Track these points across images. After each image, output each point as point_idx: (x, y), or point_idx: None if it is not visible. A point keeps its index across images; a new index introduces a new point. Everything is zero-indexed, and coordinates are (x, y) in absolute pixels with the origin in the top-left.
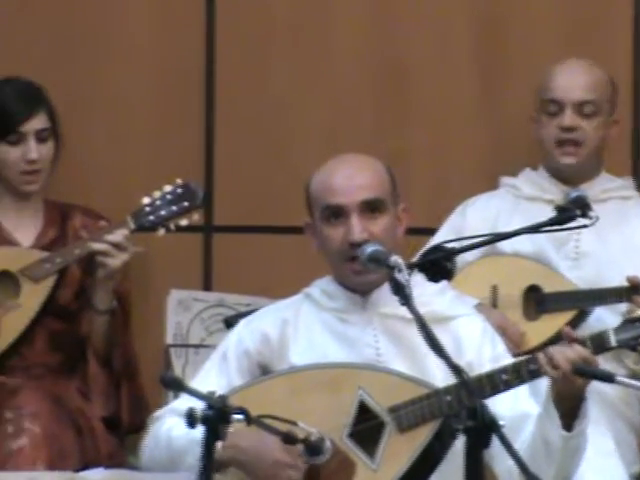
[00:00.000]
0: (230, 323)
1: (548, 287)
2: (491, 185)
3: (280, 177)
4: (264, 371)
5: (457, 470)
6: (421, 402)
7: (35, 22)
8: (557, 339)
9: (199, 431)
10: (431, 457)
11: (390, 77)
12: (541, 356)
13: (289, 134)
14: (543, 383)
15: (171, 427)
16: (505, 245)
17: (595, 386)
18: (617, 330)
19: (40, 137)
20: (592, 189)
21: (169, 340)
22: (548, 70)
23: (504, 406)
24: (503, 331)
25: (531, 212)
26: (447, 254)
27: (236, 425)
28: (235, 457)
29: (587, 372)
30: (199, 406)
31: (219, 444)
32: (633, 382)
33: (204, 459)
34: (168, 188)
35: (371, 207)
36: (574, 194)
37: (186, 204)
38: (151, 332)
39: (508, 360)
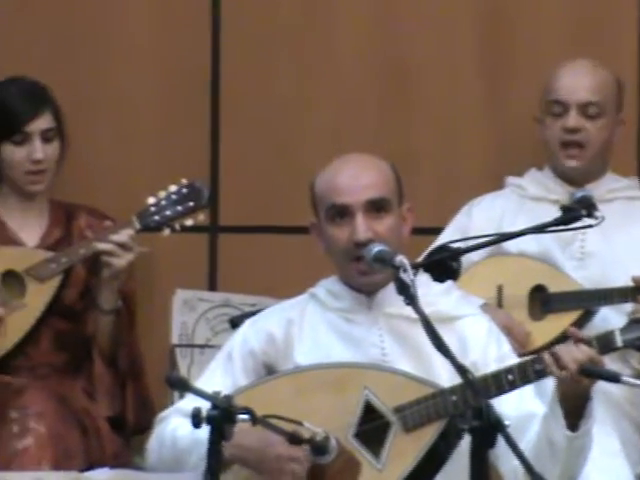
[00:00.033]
0: (235, 323)
1: (553, 287)
2: (496, 185)
3: (285, 177)
4: (269, 371)
5: (462, 470)
6: (426, 402)
7: (39, 21)
8: (562, 339)
9: (204, 431)
10: (436, 457)
11: (395, 77)
12: (547, 356)
13: (294, 134)
14: (548, 383)
15: (176, 427)
16: (510, 245)
17: (601, 386)
18: (623, 330)
19: (45, 137)
20: (598, 189)
21: (174, 340)
22: (553, 71)
23: (509, 406)
24: (508, 331)
25: (536, 212)
26: (452, 254)
27: (239, 424)
28: (238, 455)
29: (593, 372)
30: (205, 406)
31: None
32: (639, 382)
33: (210, 459)
34: (173, 188)
35: (376, 206)
36: (579, 194)
37: (191, 204)
38: (156, 332)
39: (513, 360)
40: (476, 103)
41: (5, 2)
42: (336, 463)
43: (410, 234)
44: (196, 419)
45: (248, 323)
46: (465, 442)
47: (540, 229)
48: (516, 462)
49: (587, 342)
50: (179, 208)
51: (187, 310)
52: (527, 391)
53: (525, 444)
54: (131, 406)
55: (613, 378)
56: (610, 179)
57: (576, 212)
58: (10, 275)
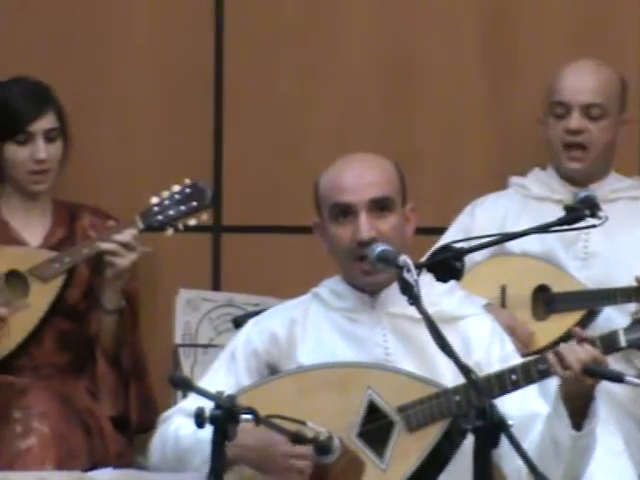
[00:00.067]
0: (239, 323)
1: (557, 287)
2: (500, 185)
3: (289, 177)
4: (272, 371)
5: (466, 470)
6: (430, 402)
7: (42, 21)
8: (566, 339)
9: (207, 431)
10: (440, 457)
11: (398, 77)
12: (551, 356)
13: (298, 134)
14: (552, 383)
15: (179, 427)
16: (514, 245)
17: (604, 386)
18: (627, 330)
19: (48, 137)
20: (601, 189)
21: (178, 340)
22: (556, 71)
23: (513, 406)
24: (512, 331)
25: (540, 212)
26: (456, 254)
27: (242, 424)
28: (242, 455)
29: (597, 372)
30: (208, 406)
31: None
32: None
33: (213, 459)
34: (176, 188)
35: (380, 205)
36: (583, 194)
37: (194, 204)
38: (160, 332)
39: (517, 360)
40: (479, 103)
41: (7, 2)
42: (339, 463)
43: (413, 234)
44: (199, 419)
45: (251, 323)
46: (468, 442)
47: (543, 229)
48: (519, 462)
49: (591, 342)
50: (182, 208)
51: (190, 310)
52: (530, 391)
53: (528, 444)
54: (134, 406)
55: (617, 378)
56: (613, 179)
57: (579, 212)
58: (13, 275)
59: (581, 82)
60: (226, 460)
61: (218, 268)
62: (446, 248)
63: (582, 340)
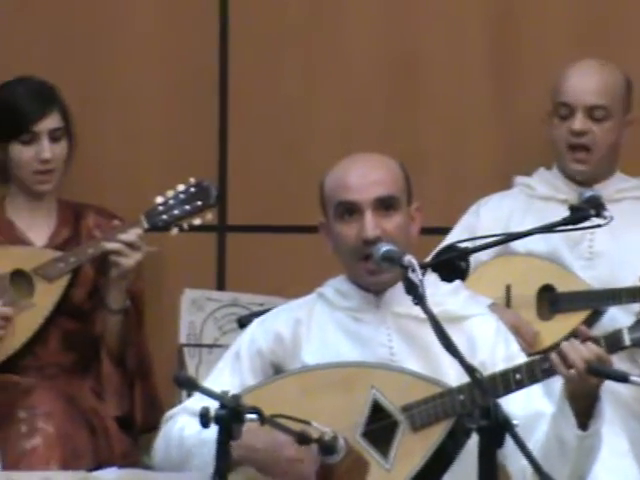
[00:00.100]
0: (243, 323)
1: (562, 287)
2: (505, 185)
3: (294, 176)
4: (277, 371)
5: (470, 469)
6: (434, 401)
7: (47, 20)
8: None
9: (211, 430)
10: (444, 456)
11: (403, 77)
12: (554, 355)
13: (302, 133)
14: (557, 383)
15: (183, 426)
16: (518, 245)
17: (609, 386)
18: (631, 329)
19: (53, 136)
20: (606, 189)
21: (182, 340)
22: (561, 72)
23: (517, 405)
24: (517, 331)
25: (545, 212)
26: (460, 254)
27: (247, 424)
28: (247, 456)
29: (601, 372)
30: (212, 406)
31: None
32: None
33: (218, 459)
34: (181, 187)
35: (385, 204)
36: (588, 194)
37: (199, 203)
38: (165, 332)
39: (522, 359)
40: (484, 103)
41: (9, 1)
42: (344, 463)
43: (418, 234)
44: (204, 418)
45: (256, 323)
46: (473, 441)
47: (548, 229)
48: (524, 462)
49: (595, 341)
50: (187, 207)
51: (195, 310)
52: (535, 390)
53: (533, 444)
54: (139, 406)
55: (621, 378)
56: (619, 179)
57: (585, 212)
58: (18, 275)
59: (585, 83)
60: (231, 460)
61: (223, 268)
62: (451, 248)
63: (587, 339)
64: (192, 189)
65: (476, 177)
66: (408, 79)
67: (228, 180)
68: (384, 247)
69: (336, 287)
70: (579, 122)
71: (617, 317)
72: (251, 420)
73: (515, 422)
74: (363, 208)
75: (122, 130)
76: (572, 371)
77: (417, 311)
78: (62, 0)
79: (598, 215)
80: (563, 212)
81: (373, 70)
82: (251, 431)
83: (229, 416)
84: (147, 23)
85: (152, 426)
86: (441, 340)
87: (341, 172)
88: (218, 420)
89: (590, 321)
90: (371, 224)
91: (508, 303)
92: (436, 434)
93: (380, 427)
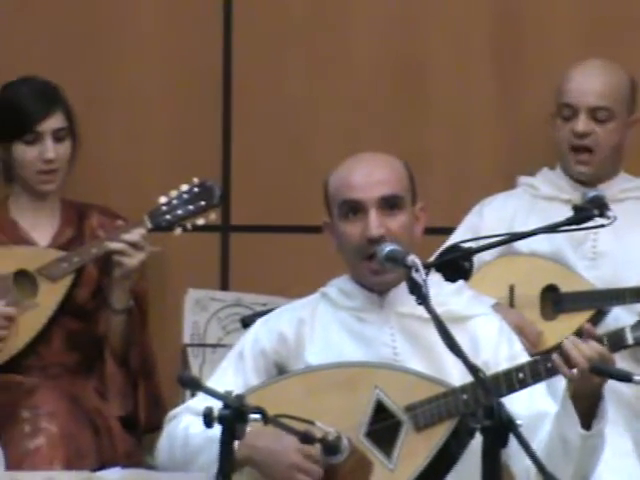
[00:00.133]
0: (247, 323)
1: (565, 287)
2: (508, 185)
3: (297, 176)
4: (280, 371)
5: (474, 469)
6: (438, 401)
7: (51, 20)
8: None
9: (217, 429)
10: (448, 456)
11: (408, 76)
12: (556, 356)
13: (306, 133)
14: (561, 383)
15: (188, 425)
16: (522, 245)
17: (612, 386)
18: (634, 328)
19: (57, 136)
20: (610, 189)
21: (186, 339)
22: (564, 72)
23: (520, 405)
24: (520, 330)
25: (548, 212)
26: (464, 254)
27: (253, 424)
28: (250, 457)
29: (604, 371)
30: (216, 405)
31: (235, 443)
32: None
33: (221, 459)
34: (185, 187)
35: (389, 203)
36: (591, 194)
37: (203, 203)
38: (168, 331)
39: (525, 359)
40: (488, 103)
41: (10, 1)
42: (348, 463)
43: (422, 233)
44: (208, 418)
45: (259, 323)
46: (476, 441)
47: (552, 229)
48: (528, 462)
49: (598, 339)
50: (191, 207)
51: (199, 309)
52: (538, 390)
53: (537, 443)
54: (143, 405)
55: (625, 377)
56: (623, 179)
57: (588, 212)
58: (22, 275)
59: (588, 84)
60: (235, 460)
61: (226, 268)
62: (454, 248)
63: (591, 338)
64: (196, 189)
65: (480, 177)
66: (412, 78)
67: (232, 180)
68: (388, 247)
69: (340, 287)
70: (582, 123)
71: (621, 317)
72: (255, 420)
73: (519, 422)
74: (367, 207)
75: (126, 130)
76: (574, 371)
77: (420, 311)
78: (66, 1)
79: (602, 215)
80: (567, 212)
81: (377, 69)
82: (257, 431)
83: (233, 416)
84: (151, 23)
85: (156, 426)
86: (444, 340)
87: (346, 171)
88: (222, 420)
89: (594, 321)
90: (375, 223)
91: (512, 303)
92: (439, 434)
93: (384, 427)
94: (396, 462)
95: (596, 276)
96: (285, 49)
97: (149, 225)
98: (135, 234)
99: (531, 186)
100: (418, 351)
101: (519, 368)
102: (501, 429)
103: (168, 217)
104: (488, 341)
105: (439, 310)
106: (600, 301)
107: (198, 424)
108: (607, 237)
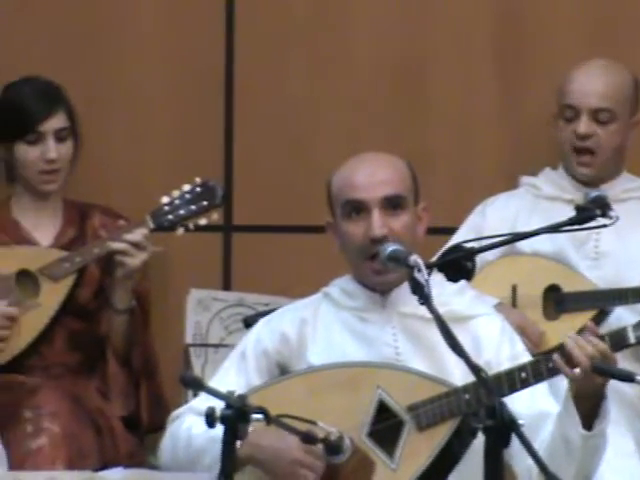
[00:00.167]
0: (249, 323)
1: (568, 287)
2: (511, 185)
3: (300, 176)
4: (283, 371)
5: (476, 469)
6: (440, 401)
7: (53, 20)
8: None
9: (219, 430)
10: (450, 456)
11: (410, 76)
12: (557, 356)
13: (308, 133)
14: (563, 382)
15: (191, 425)
16: (524, 245)
17: (614, 386)
18: (636, 327)
19: (59, 136)
20: (612, 189)
21: (188, 339)
22: (567, 73)
23: (522, 405)
24: (522, 330)
25: (551, 212)
26: (466, 254)
27: (255, 424)
28: (253, 455)
29: (606, 371)
30: (218, 405)
31: (238, 442)
32: None
33: (224, 458)
34: (187, 187)
35: (392, 203)
36: (594, 194)
37: (205, 203)
38: (170, 332)
39: (527, 359)
40: (491, 103)
41: (10, 1)
42: (350, 463)
43: (425, 233)
44: (210, 418)
45: (262, 323)
46: (478, 441)
47: (554, 229)
48: (530, 461)
49: (600, 338)
50: (193, 207)
51: (201, 309)
52: (540, 389)
53: (539, 443)
54: (145, 405)
55: (627, 377)
56: (625, 179)
57: (590, 212)
58: (24, 275)
59: (590, 85)
60: (238, 459)
61: (229, 268)
62: (457, 248)
63: (593, 336)
64: (198, 189)
65: (482, 177)
66: (415, 78)
67: (234, 180)
68: (390, 247)
69: (342, 287)
70: (584, 125)
71: (623, 317)
72: (257, 420)
73: (521, 422)
74: (370, 207)
75: (128, 130)
76: (576, 371)
77: (423, 311)
78: (68, 1)
79: (604, 215)
80: (569, 212)
81: (379, 69)
82: (259, 431)
83: (235, 416)
84: (152, 22)
85: (158, 426)
86: (447, 340)
87: (348, 171)
88: (224, 420)
89: (596, 321)
90: (378, 222)
91: (514, 303)
92: (442, 434)
93: (386, 427)
94: (398, 462)
95: (598, 276)
96: (287, 49)
97: (151, 225)
98: (137, 234)
99: (533, 186)
100: (420, 351)
101: (521, 368)
102: (503, 429)
103: (170, 217)
104: (490, 341)
105: (441, 310)
106: (602, 301)
107: (201, 424)
108: (609, 237)
